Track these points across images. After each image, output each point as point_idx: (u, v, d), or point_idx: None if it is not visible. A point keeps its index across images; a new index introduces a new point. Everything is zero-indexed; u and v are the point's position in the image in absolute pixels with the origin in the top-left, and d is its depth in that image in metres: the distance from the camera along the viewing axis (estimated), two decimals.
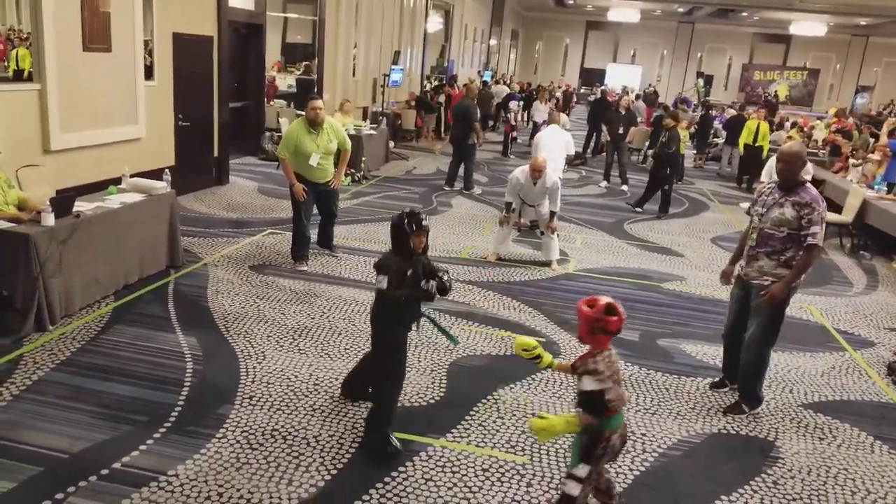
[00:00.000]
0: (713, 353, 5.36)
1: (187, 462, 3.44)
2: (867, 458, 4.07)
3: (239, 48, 11.10)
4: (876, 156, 12.12)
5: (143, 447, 3.53)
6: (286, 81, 15.17)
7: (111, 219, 5.42)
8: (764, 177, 5.55)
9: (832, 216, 9.52)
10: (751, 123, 13.26)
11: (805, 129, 17.37)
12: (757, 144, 13.05)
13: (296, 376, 4.42)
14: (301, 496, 3.25)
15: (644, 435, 4.08)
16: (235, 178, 10.34)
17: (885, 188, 9.58)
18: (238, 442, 3.66)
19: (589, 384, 2.88)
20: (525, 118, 20.46)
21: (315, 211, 6.77)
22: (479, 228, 8.79)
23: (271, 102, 13.47)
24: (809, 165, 7.69)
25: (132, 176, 6.25)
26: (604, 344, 2.95)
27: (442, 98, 18.02)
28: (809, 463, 3.95)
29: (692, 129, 16.90)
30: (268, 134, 12.39)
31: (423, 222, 3.53)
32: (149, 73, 8.08)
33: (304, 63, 15.23)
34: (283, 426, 3.83)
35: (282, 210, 8.69)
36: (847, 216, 9.32)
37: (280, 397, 4.15)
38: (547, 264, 7.28)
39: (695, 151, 17.04)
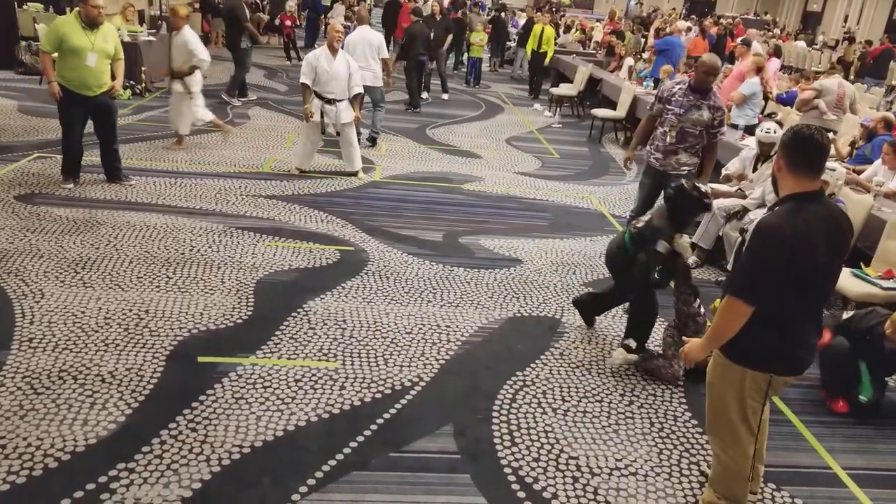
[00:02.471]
0: (508, 246, 5.78)
1: None
2: None
3: None
4: (647, 55, 13.35)
5: None
6: None
7: None
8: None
9: (608, 112, 10.45)
10: (536, 28, 13.47)
11: (586, 30, 18.54)
12: (541, 50, 13.31)
13: (83, 312, 4.07)
14: (99, 434, 3.07)
15: (448, 327, 4.35)
16: None
17: (652, 84, 10.62)
18: (20, 388, 3.33)
19: None
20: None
21: (92, 136, 6.09)
22: (282, 140, 8.46)
23: (25, 6, 11.54)
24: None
25: None
26: None
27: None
28: (589, 333, 4.48)
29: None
30: (24, 43, 10.67)
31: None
32: None
33: None
34: (72, 366, 3.55)
35: (49, 131, 7.67)
36: (621, 112, 10.26)
37: (66, 336, 3.81)
38: (353, 174, 7.24)
39: (489, 55, 17.52)
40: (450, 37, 12.55)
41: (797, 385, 4.05)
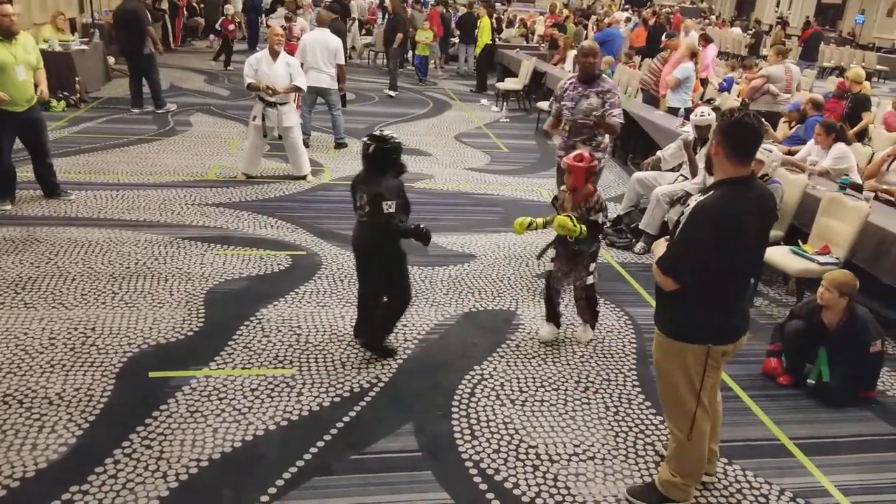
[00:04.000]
0: (461, 242, 5.82)
1: None
2: None
3: None
4: None
5: None
6: None
7: None
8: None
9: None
10: (482, 23, 13.77)
11: (529, 24, 18.72)
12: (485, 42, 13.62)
13: (25, 333, 3.94)
14: (49, 458, 2.98)
15: (405, 326, 4.35)
16: None
17: None
18: None
19: (600, 218, 4.00)
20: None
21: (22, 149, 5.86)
22: (226, 146, 8.31)
23: None
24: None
25: None
26: (593, 185, 4.04)
27: (165, 4, 16.21)
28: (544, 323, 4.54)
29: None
30: None
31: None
32: None
33: None
34: (16, 390, 3.43)
35: None
36: None
37: (8, 359, 3.68)
38: (302, 178, 7.17)
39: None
40: (399, 35, 12.54)
41: (744, 361, 4.20)
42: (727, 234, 2.54)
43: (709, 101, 9.32)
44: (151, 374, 3.65)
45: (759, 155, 5.25)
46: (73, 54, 9.84)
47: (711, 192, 2.61)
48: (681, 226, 2.61)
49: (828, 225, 5.04)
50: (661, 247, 2.81)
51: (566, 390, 3.81)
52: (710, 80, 10.88)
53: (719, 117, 2.74)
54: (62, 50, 9.73)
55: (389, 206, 3.62)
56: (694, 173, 5.92)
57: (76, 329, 4.03)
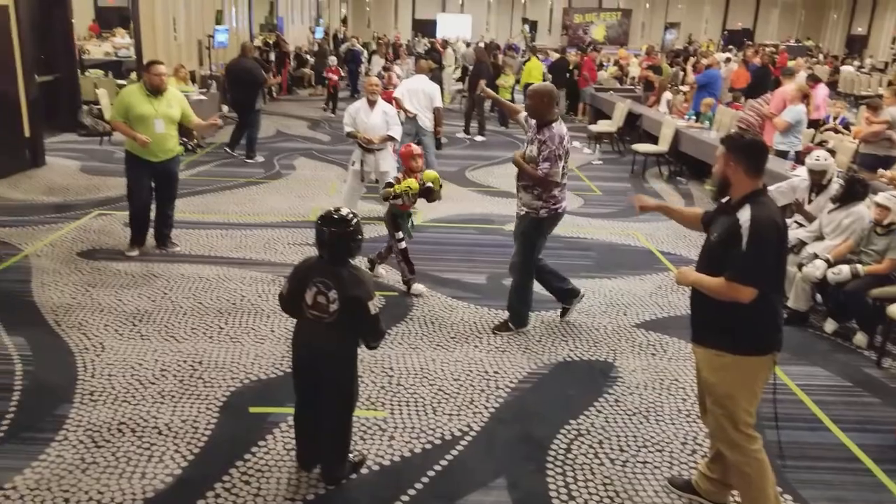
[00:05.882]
0: None
1: (25, 471, 3.18)
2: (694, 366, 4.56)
3: (42, 15, 10.14)
4: (685, 88, 13.29)
5: None
6: (102, 49, 13.86)
7: None
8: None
9: (650, 147, 10.36)
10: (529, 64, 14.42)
11: (623, 66, 18.57)
12: (530, 82, 13.83)
13: (140, 364, 4.17)
14: (157, 487, 3.11)
15: (497, 373, 4.30)
16: (53, 159, 9.38)
17: (694, 118, 10.53)
18: (82, 442, 3.42)
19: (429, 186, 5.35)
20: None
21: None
22: (325, 188, 8.64)
23: (86, 73, 12.25)
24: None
25: None
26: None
27: (273, 56, 17.27)
28: (645, 378, 4.35)
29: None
30: (86, 107, 11.27)
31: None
32: None
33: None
34: (130, 418, 3.63)
35: (109, 189, 8.02)
36: (663, 146, 10.17)
37: (124, 388, 3.90)
38: None
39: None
40: (482, 81, 12.73)
41: (873, 430, 3.87)
42: (784, 237, 2.80)
43: (822, 144, 8.85)
44: (252, 409, 3.77)
45: (885, 202, 4.92)
46: (192, 104, 10.58)
47: (748, 204, 2.75)
48: (746, 239, 2.68)
49: None
50: (690, 274, 2.90)
51: (671, 452, 3.61)
52: (820, 121, 10.34)
53: (723, 140, 2.93)
54: None
55: (377, 306, 2.99)
56: (810, 220, 5.60)
57: (185, 362, 4.23)
